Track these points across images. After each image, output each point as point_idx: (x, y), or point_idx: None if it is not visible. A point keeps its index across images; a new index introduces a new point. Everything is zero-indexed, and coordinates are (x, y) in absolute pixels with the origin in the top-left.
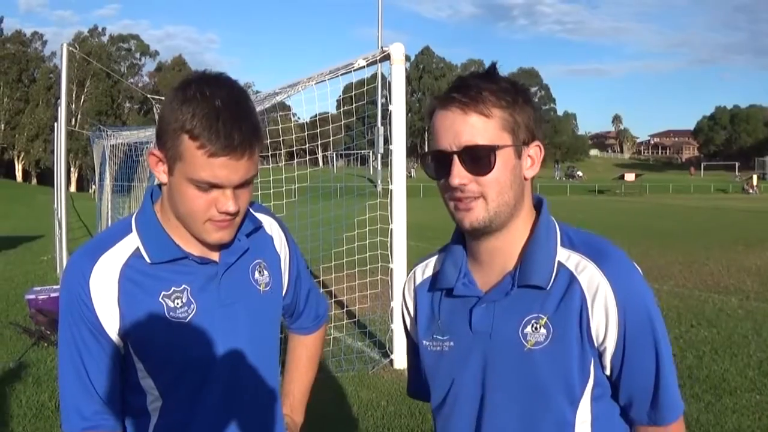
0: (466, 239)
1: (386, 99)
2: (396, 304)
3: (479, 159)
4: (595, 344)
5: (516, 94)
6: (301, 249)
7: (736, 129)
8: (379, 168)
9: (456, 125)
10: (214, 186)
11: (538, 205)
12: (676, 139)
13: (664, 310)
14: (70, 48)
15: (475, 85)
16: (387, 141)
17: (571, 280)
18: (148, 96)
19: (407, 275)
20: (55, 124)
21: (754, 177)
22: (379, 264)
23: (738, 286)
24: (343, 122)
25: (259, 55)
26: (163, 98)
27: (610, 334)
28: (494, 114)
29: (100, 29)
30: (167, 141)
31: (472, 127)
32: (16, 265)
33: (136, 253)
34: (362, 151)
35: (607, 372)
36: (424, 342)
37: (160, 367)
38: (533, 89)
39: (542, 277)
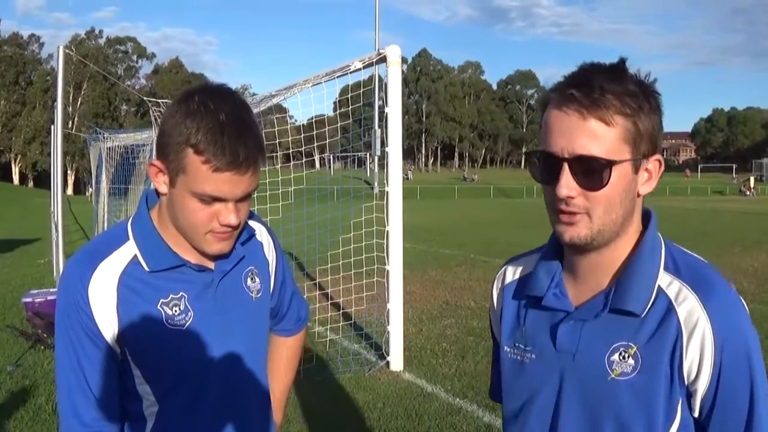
0: (564, 248)
1: (383, 101)
2: (391, 306)
3: (592, 172)
4: (686, 383)
5: (644, 98)
6: (298, 251)
7: (733, 131)
8: (376, 170)
9: (572, 129)
10: (216, 199)
11: (645, 218)
12: (673, 141)
13: None
14: (67, 50)
15: (599, 86)
16: (383, 143)
17: (669, 309)
18: (145, 98)
19: (498, 274)
20: (52, 126)
21: (751, 179)
22: (375, 266)
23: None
24: (339, 124)
25: (257, 57)
26: (159, 101)
27: (703, 375)
28: (616, 122)
29: (97, 31)
30: (170, 153)
31: (589, 135)
32: (13, 268)
33: (134, 261)
34: (359, 154)
35: (695, 414)
36: (505, 348)
37: (158, 373)
38: (530, 91)
39: (638, 303)
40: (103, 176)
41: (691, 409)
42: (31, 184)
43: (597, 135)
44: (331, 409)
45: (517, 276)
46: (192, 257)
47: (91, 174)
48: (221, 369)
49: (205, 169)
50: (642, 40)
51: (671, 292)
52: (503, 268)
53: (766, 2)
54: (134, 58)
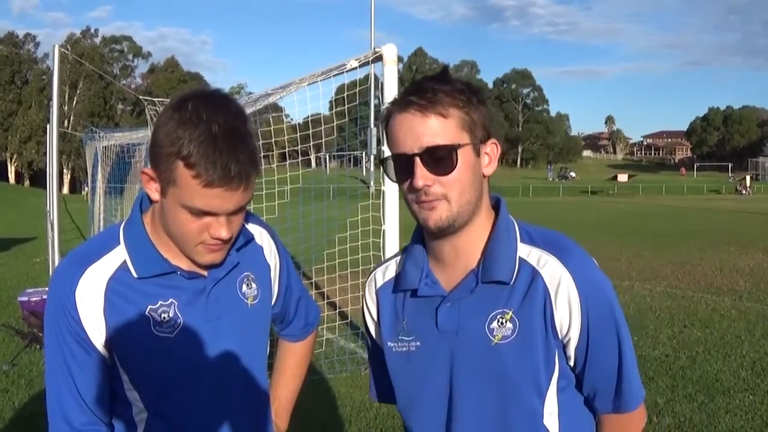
0: (426, 239)
1: (379, 100)
2: None
3: (441, 159)
4: (560, 336)
5: (471, 93)
6: (294, 250)
7: (729, 130)
8: (372, 169)
9: (416, 128)
10: (207, 213)
11: (496, 205)
12: (669, 140)
13: (656, 310)
14: (63, 50)
15: (431, 88)
16: (379, 142)
17: (534, 274)
18: (141, 97)
19: (368, 281)
20: (48, 125)
21: (747, 178)
22: (372, 265)
23: (731, 287)
24: (335, 123)
25: (252, 56)
26: (155, 100)
27: (574, 325)
28: (452, 114)
29: (92, 31)
30: (161, 163)
31: (431, 128)
32: (9, 267)
33: (123, 266)
34: (355, 152)
35: (571, 363)
36: (389, 344)
37: (146, 380)
38: (526, 90)
39: (505, 272)
40: (99, 175)
41: (567, 358)
42: (27, 183)
43: (438, 127)
44: (327, 409)
45: (388, 277)
46: (184, 264)
47: (86, 173)
48: (211, 377)
49: (195, 183)
50: (637, 39)
51: (532, 259)
52: (372, 275)
53: (761, 1)
54: (130, 57)
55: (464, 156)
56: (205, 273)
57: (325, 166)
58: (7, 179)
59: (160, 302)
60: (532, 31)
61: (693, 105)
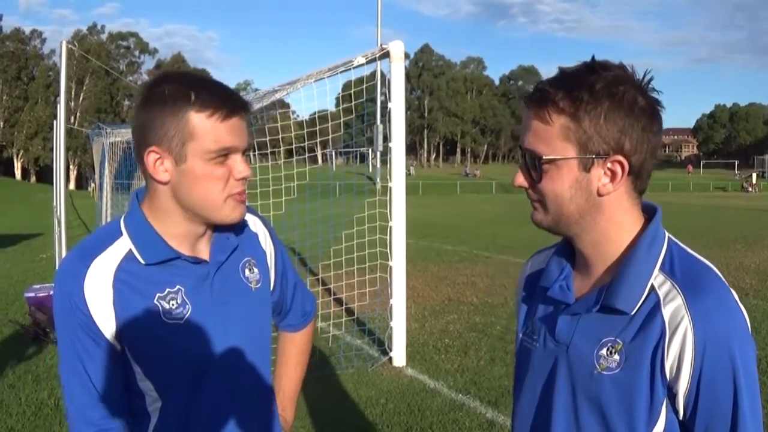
0: None
1: (386, 96)
2: (394, 302)
3: (533, 166)
4: (668, 383)
5: (591, 100)
6: (301, 246)
7: (735, 127)
8: (379, 166)
9: (524, 125)
10: (228, 152)
11: (651, 215)
12: (675, 137)
13: None
14: (69, 46)
15: (543, 89)
16: (386, 138)
17: (656, 309)
18: None
19: (524, 265)
20: (54, 121)
21: (754, 175)
22: (378, 262)
23: (737, 284)
24: (342, 120)
25: (259, 53)
26: None
27: (683, 377)
28: (554, 121)
29: (99, 27)
30: (168, 131)
31: (533, 131)
32: (16, 263)
33: (129, 256)
34: (361, 149)
35: (680, 416)
36: (520, 334)
37: (158, 369)
38: (531, 88)
39: (628, 302)
40: (106, 171)
41: (675, 411)
42: (33, 179)
43: (538, 132)
44: (333, 405)
45: (538, 267)
46: (186, 249)
47: (93, 169)
48: (220, 362)
49: (213, 120)
50: (644, 37)
51: (662, 292)
52: (529, 260)
53: None
54: (136, 53)
55: (562, 169)
56: (207, 258)
57: (332, 162)
58: (13, 175)
59: (167, 289)
60: (539, 28)
61: (699, 102)
